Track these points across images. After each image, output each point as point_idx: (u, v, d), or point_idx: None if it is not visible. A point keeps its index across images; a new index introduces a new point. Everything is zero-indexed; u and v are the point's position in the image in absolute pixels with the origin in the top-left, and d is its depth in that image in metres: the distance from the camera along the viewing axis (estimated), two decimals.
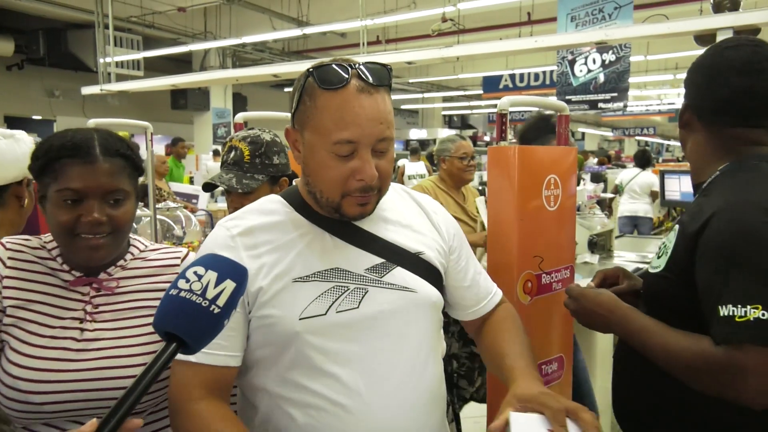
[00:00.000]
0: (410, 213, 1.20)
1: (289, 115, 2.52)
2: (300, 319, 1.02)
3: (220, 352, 1.02)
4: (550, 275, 1.82)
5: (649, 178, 7.27)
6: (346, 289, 1.06)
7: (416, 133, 19.56)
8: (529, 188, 1.73)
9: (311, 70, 1.03)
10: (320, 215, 1.10)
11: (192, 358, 0.99)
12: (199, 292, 0.74)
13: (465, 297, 1.25)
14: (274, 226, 1.10)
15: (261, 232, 1.08)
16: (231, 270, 0.78)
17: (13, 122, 12.20)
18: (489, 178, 1.74)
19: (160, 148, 13.68)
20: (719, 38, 4.73)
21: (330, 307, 1.04)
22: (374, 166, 1.02)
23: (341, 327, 1.04)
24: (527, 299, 1.75)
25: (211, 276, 0.76)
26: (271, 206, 1.14)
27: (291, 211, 1.12)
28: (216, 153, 11.09)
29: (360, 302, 1.06)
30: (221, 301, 0.75)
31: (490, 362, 1.22)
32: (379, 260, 1.09)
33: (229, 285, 0.76)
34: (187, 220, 4.38)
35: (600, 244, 3.87)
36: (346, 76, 1.00)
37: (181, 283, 0.75)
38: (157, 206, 3.24)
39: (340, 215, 1.07)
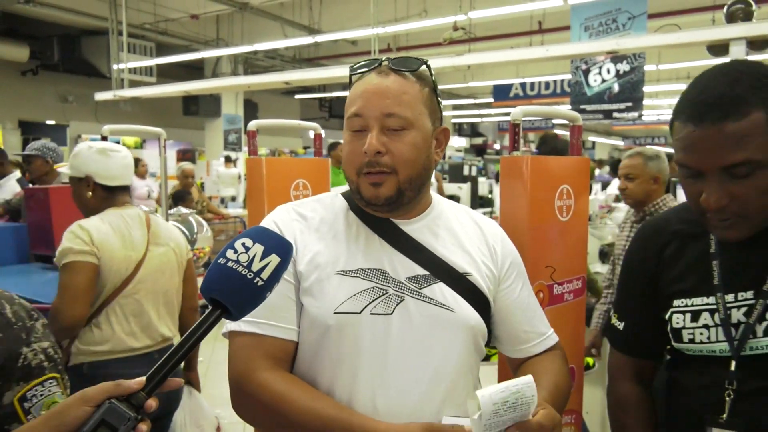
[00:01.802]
0: (466, 233, 1.17)
1: (300, 122, 2.54)
2: (334, 312, 1.02)
3: (285, 324, 1.04)
4: (562, 286, 1.81)
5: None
6: (384, 292, 1.05)
7: None
8: (542, 198, 1.72)
9: (351, 66, 1.11)
10: (372, 217, 1.11)
11: (257, 330, 1.01)
12: (245, 264, 0.77)
13: (513, 332, 1.19)
14: (328, 217, 1.12)
15: (315, 220, 1.11)
16: (277, 245, 0.81)
17: (27, 127, 12.33)
18: (501, 188, 1.74)
19: (171, 154, 13.81)
20: (732, 48, 4.70)
21: (365, 307, 1.03)
22: (384, 144, 1.03)
23: (371, 330, 1.03)
24: None
25: (258, 249, 0.78)
26: (329, 200, 1.17)
27: (347, 208, 1.14)
28: (228, 159, 11.14)
29: (394, 309, 1.04)
30: (265, 275, 0.77)
31: None
32: (422, 271, 1.08)
33: (274, 259, 0.78)
34: (199, 226, 4.40)
35: (611, 254, 3.84)
36: (374, 64, 1.08)
37: (230, 253, 0.78)
38: (169, 212, 3.26)
39: (365, 202, 1.08)
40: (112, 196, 2.05)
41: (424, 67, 1.09)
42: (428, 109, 1.09)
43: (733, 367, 1.04)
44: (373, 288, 1.05)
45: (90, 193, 2.02)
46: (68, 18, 9.34)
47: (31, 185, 4.06)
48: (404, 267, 1.08)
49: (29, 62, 11.03)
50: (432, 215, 1.14)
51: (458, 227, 1.17)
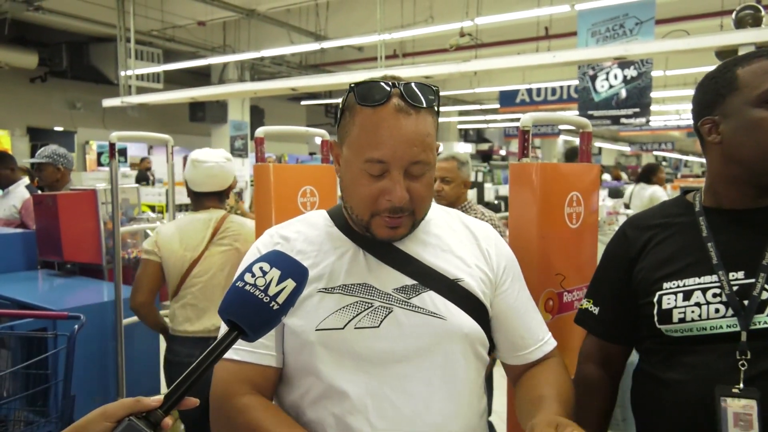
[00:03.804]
0: (456, 238, 1.14)
1: (307, 129, 2.54)
2: (316, 330, 1.01)
3: (262, 350, 1.03)
4: (572, 293, 1.80)
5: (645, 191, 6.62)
6: (369, 305, 1.03)
7: None
8: (551, 205, 1.71)
9: (353, 86, 1.01)
10: (358, 233, 1.09)
11: (235, 356, 1.02)
12: (262, 288, 0.79)
13: (510, 338, 1.16)
14: (312, 236, 1.11)
15: (298, 241, 1.10)
16: (293, 270, 0.83)
17: (35, 133, 12.40)
18: (510, 195, 1.73)
19: (178, 160, 13.83)
20: (741, 54, 4.66)
21: (349, 322, 1.02)
22: (406, 188, 0.99)
23: (356, 344, 1.01)
24: (548, 318, 1.72)
25: (275, 274, 0.81)
26: (313, 219, 1.16)
27: (331, 225, 1.12)
28: None
29: (381, 321, 1.02)
30: (281, 299, 0.80)
31: (522, 411, 1.08)
32: (410, 282, 1.05)
33: (290, 284, 0.81)
34: None
35: None
36: (386, 94, 0.98)
37: (247, 277, 0.81)
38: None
39: (371, 235, 1.05)
40: (198, 199, 2.50)
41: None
42: (436, 136, 1.06)
43: (744, 338, 1.07)
44: (357, 302, 1.03)
45: (187, 193, 2.54)
46: (76, 25, 9.40)
47: (40, 192, 4.06)
48: (391, 279, 1.06)
49: (38, 69, 11.09)
50: (420, 225, 1.12)
51: (448, 233, 1.14)
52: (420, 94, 1.00)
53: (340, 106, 1.06)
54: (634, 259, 1.25)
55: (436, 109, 1.04)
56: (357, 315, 1.02)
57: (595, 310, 1.33)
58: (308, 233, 1.11)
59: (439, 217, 1.17)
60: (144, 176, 11.43)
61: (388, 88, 0.99)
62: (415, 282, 1.06)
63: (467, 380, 1.08)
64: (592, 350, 1.36)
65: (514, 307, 1.15)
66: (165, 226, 2.50)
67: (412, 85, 1.00)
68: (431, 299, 1.05)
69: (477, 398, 1.11)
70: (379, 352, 1.01)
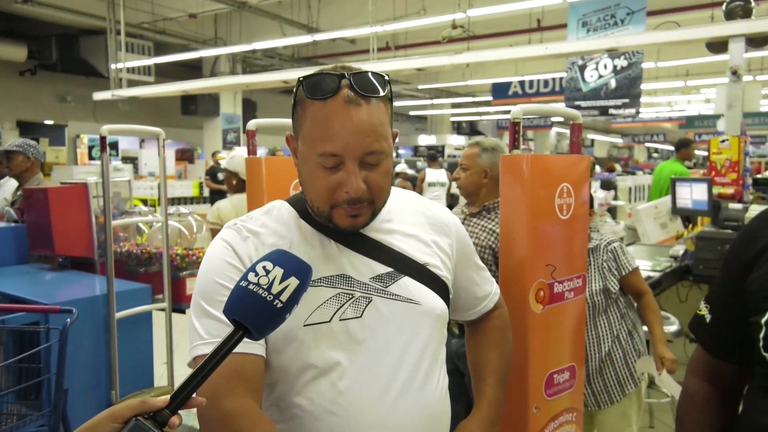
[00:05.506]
0: (417, 222, 1.17)
1: None
2: (305, 325, 1.01)
3: (248, 339, 1.01)
4: (563, 284, 1.81)
5: None
6: (351, 296, 1.04)
7: (425, 140, 19.57)
8: (542, 197, 1.72)
9: (301, 79, 1.00)
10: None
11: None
12: (265, 287, 0.80)
13: (467, 301, 1.27)
14: (280, 230, 1.09)
15: (267, 235, 1.08)
16: (296, 268, 0.83)
17: (25, 127, 12.32)
18: (501, 187, 1.74)
19: (170, 153, 13.79)
20: (731, 45, 4.70)
21: (334, 314, 1.03)
22: (363, 178, 0.99)
23: (343, 335, 1.03)
24: (539, 308, 1.74)
25: (278, 272, 0.81)
26: (277, 211, 1.13)
27: (296, 216, 1.11)
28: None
29: (363, 311, 1.04)
30: (284, 297, 0.80)
31: (471, 374, 1.32)
32: (384, 269, 1.07)
33: (293, 282, 0.81)
34: (198, 227, 4.39)
35: None
36: (335, 86, 0.97)
37: (251, 276, 0.81)
38: (168, 212, 3.26)
39: (333, 225, 1.05)
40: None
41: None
42: (391, 124, 1.05)
43: None
44: (339, 294, 1.04)
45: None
46: (66, 18, 9.33)
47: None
48: (366, 267, 1.07)
49: (27, 62, 11.02)
50: (382, 210, 1.12)
51: (408, 217, 1.16)
52: (369, 84, 0.99)
53: (292, 99, 1.04)
54: (750, 263, 1.01)
55: (389, 96, 1.04)
56: (341, 306, 1.03)
57: (708, 318, 1.12)
58: (275, 227, 1.10)
59: (396, 200, 1.17)
60: (215, 171, 10.58)
61: (337, 80, 0.97)
62: (390, 269, 1.08)
63: (437, 356, 1.13)
64: (697, 363, 1.17)
65: (468, 277, 1.25)
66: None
67: (361, 74, 0.99)
68: (406, 285, 1.08)
69: (443, 376, 1.15)
70: (363, 342, 1.04)
